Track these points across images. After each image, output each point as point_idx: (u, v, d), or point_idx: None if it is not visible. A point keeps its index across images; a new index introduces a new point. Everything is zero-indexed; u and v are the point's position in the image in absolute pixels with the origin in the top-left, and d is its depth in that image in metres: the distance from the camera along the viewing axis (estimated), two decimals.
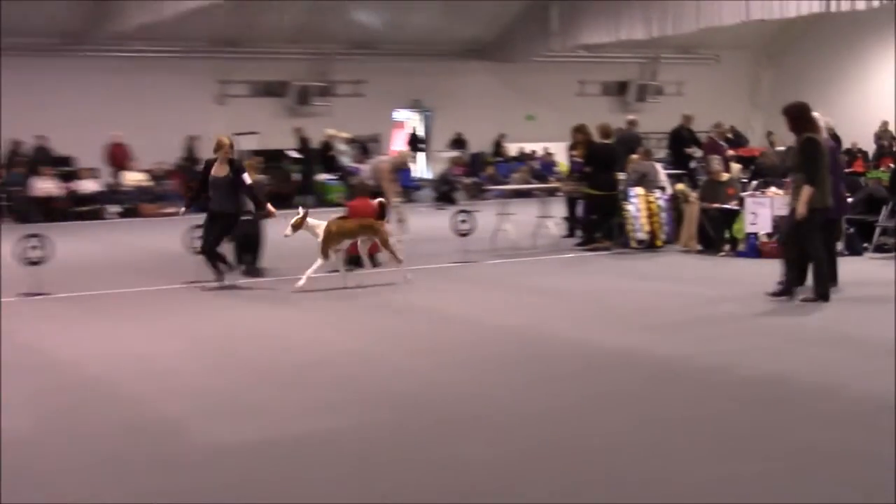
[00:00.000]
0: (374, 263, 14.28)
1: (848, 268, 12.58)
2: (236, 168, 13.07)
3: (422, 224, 20.16)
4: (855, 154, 27.43)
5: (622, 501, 5.42)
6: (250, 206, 13.43)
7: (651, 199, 16.44)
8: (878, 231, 15.02)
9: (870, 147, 29.28)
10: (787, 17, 24.88)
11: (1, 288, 12.89)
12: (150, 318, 11.39)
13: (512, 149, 33.11)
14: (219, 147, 13.14)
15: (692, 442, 6.35)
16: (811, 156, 10.96)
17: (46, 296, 12.67)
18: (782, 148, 21.37)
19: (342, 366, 8.73)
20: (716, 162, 16.66)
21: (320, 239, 12.51)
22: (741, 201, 15.38)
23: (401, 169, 18.44)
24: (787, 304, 11.00)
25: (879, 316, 10.09)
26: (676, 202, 16.65)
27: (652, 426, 6.67)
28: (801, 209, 10.86)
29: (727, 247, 15.41)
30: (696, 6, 25.36)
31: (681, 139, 23.00)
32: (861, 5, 21.72)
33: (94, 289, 13.35)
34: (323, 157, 28.72)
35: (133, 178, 26.87)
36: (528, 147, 32.91)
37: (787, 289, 11.20)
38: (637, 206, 16.31)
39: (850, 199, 14.40)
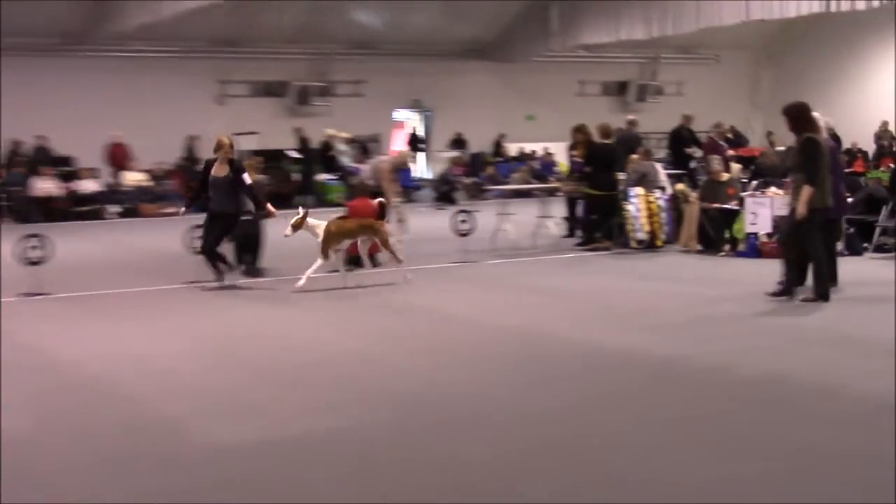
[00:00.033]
0: (375, 263, 14.28)
1: (848, 268, 12.58)
2: (236, 168, 13.08)
3: (422, 224, 20.16)
4: (855, 154, 27.43)
5: (622, 501, 5.41)
6: (250, 206, 13.43)
7: (651, 199, 16.44)
8: (878, 231, 15.03)
9: (870, 147, 29.29)
10: (787, 17, 24.88)
11: (1, 288, 12.89)
12: (150, 318, 11.39)
13: (512, 149, 33.12)
14: (219, 147, 13.14)
15: (692, 442, 6.35)
16: (811, 156, 10.96)
17: (46, 296, 12.67)
18: (782, 148, 21.36)
19: (342, 366, 8.73)
20: (716, 162, 16.66)
21: (320, 239, 12.51)
22: (741, 201, 15.38)
23: (401, 169, 18.44)
24: (787, 304, 11.00)
25: (879, 316, 10.09)
26: (676, 202, 16.65)
27: (652, 426, 6.66)
28: (802, 209, 10.86)
29: (727, 247, 15.41)
30: (696, 6, 25.36)
31: (681, 139, 23.00)
32: (861, 5, 21.72)
33: (94, 289, 13.35)
34: (323, 157, 28.72)
35: (133, 178, 26.87)
36: (528, 147, 32.91)
37: (787, 289, 11.20)
38: (637, 206, 16.31)
39: (850, 199, 14.41)
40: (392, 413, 7.16)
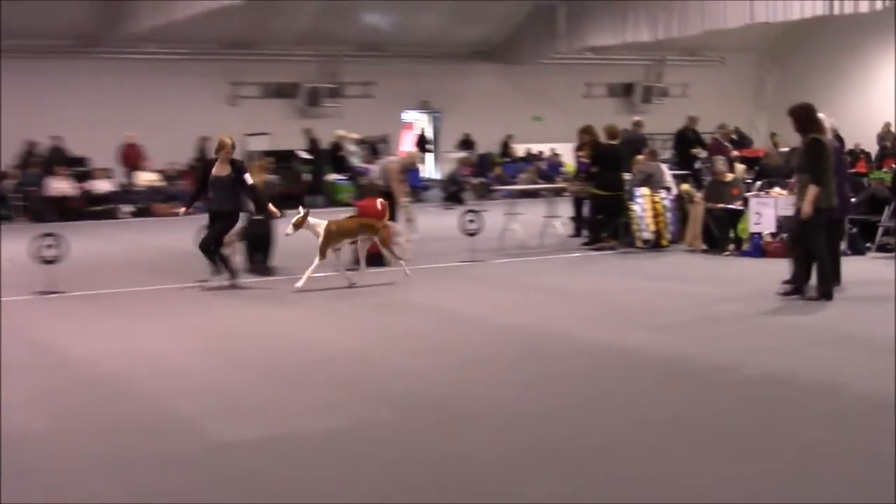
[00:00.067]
0: (385, 262, 14.30)
1: (851, 267, 12.56)
2: (238, 168, 13.07)
3: (430, 224, 20.16)
4: (858, 155, 27.39)
5: (625, 500, 5.38)
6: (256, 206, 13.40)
7: (656, 199, 16.42)
8: (880, 231, 15.00)
9: (872, 148, 29.23)
10: (791, 20, 24.83)
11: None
12: (162, 316, 11.40)
13: (519, 149, 33.11)
14: (221, 147, 13.11)
15: (696, 441, 6.31)
16: (817, 156, 10.95)
17: (61, 294, 12.70)
18: (786, 149, 21.34)
19: (345, 364, 8.67)
20: (720, 162, 16.63)
21: (321, 239, 12.51)
22: (745, 201, 15.36)
23: (410, 169, 18.46)
24: (790, 304, 10.97)
25: (882, 315, 10.05)
26: (681, 202, 16.63)
27: (656, 425, 6.63)
28: (807, 208, 10.85)
29: (731, 246, 15.39)
30: (701, 9, 25.33)
31: (686, 140, 22.98)
32: (864, 8, 21.67)
33: (108, 287, 13.37)
34: (333, 157, 28.74)
35: (146, 178, 26.91)
36: (536, 148, 32.91)
37: (797, 287, 11.18)
38: (643, 206, 16.30)
39: (853, 200, 14.37)
40: (395, 412, 7.12)
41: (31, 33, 26.32)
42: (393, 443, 6.42)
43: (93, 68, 27.58)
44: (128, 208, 26.30)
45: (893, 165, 20.27)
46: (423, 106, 32.83)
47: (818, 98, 12.86)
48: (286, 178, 23.92)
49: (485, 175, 30.64)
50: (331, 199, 27.22)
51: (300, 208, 12.68)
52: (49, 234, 13.10)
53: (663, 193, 16.62)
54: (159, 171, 27.19)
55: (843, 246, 13.46)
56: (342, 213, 14.75)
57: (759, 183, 16.91)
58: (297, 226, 12.53)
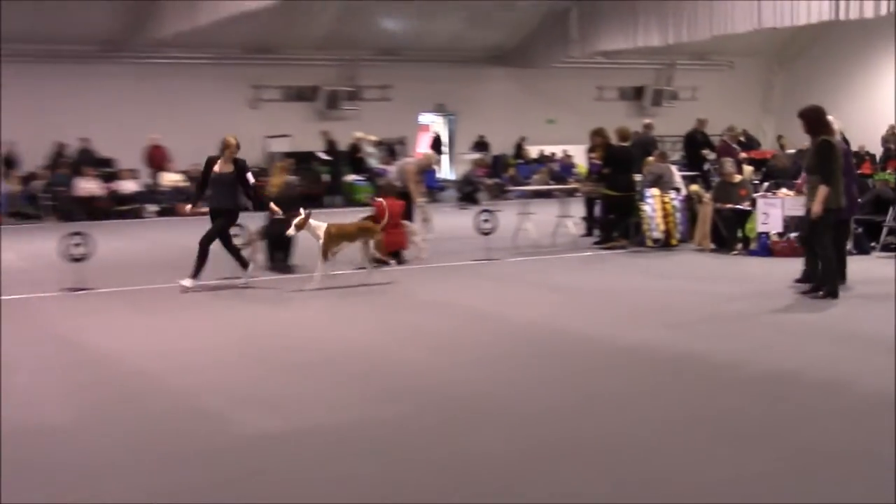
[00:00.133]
0: (399, 261, 14.34)
1: (856, 266, 12.52)
2: (241, 167, 13.07)
3: (446, 223, 20.15)
4: (863, 157, 27.24)
5: (634, 498, 5.32)
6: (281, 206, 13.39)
7: (666, 199, 16.39)
8: (885, 231, 14.96)
9: (877, 150, 29.07)
10: (798, 25, 24.72)
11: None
12: (185, 312, 11.43)
13: (533, 151, 33.06)
14: (225, 146, 13.06)
15: (703, 440, 6.28)
16: (827, 157, 10.93)
17: (89, 291, 12.75)
18: (792, 151, 21.28)
19: (360, 361, 8.64)
20: (728, 164, 16.58)
21: (321, 241, 12.52)
22: (753, 202, 15.32)
23: (426, 170, 18.45)
24: (796, 302, 10.95)
25: (887, 313, 10.00)
26: (691, 203, 16.60)
27: (663, 424, 6.57)
28: (817, 208, 10.83)
29: (739, 246, 15.36)
30: (710, 14, 25.24)
31: (695, 142, 22.93)
32: (869, 13, 21.57)
33: (134, 284, 13.41)
34: (351, 158, 28.78)
35: (170, 178, 26.97)
36: (548, 149, 32.85)
37: (816, 285, 11.19)
38: (653, 206, 16.26)
39: (858, 200, 14.33)
40: (407, 408, 7.07)
41: (60, 39, 26.48)
42: (403, 438, 6.37)
43: (119, 72, 27.68)
44: (153, 208, 26.37)
45: None
46: (439, 109, 32.82)
47: (824, 101, 12.77)
48: (306, 179, 23.90)
49: (499, 176, 30.62)
50: (349, 199, 27.24)
51: (301, 210, 12.67)
52: (77, 233, 13.15)
53: (673, 194, 16.59)
54: (183, 172, 27.22)
55: (849, 245, 13.41)
56: (360, 213, 14.74)
57: (766, 184, 16.85)
58: (299, 227, 12.54)
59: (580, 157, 28.46)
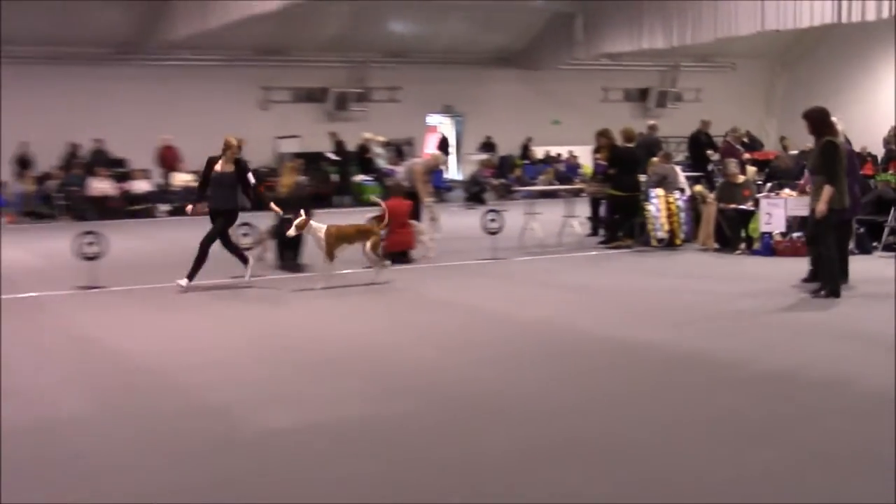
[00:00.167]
0: (408, 259, 14.36)
1: (858, 266, 12.49)
2: (242, 167, 13.06)
3: (453, 223, 20.16)
4: (865, 158, 27.17)
5: (637, 497, 5.29)
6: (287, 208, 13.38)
7: (671, 199, 16.36)
8: (886, 231, 14.93)
9: (879, 151, 29.01)
10: (801, 28, 24.68)
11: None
12: (196, 310, 11.45)
13: (539, 152, 33.06)
14: (227, 147, 13.03)
15: (705, 438, 6.25)
16: (831, 158, 10.92)
17: (102, 289, 12.77)
18: (795, 152, 21.24)
19: (368, 358, 8.63)
20: (732, 165, 16.56)
21: (323, 243, 12.51)
22: (756, 202, 15.30)
23: (434, 170, 18.45)
24: (799, 301, 10.93)
25: (888, 312, 9.97)
26: (695, 203, 16.58)
27: (667, 423, 6.53)
28: (822, 207, 10.82)
29: (743, 245, 15.34)
30: (714, 17, 25.21)
31: (699, 143, 22.91)
32: (870, 16, 21.53)
33: (146, 282, 13.42)
34: (360, 159, 28.79)
35: (182, 178, 26.99)
36: (554, 150, 32.86)
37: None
38: (657, 206, 16.24)
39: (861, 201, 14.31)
40: (413, 405, 7.05)
41: (74, 42, 26.54)
42: (411, 437, 6.34)
43: (132, 75, 27.73)
44: (164, 207, 26.41)
45: None
46: (447, 110, 32.83)
47: (826, 102, 12.73)
48: (315, 179, 23.93)
49: (505, 176, 30.61)
50: (358, 199, 27.25)
51: (301, 211, 12.66)
52: (90, 232, 13.18)
53: (677, 194, 16.56)
54: (194, 172, 27.16)
55: (851, 245, 13.39)
56: (369, 213, 14.75)
57: (769, 184, 16.83)
58: (300, 228, 12.54)
59: (586, 157, 28.43)
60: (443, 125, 33.14)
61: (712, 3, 25.08)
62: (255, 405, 7.14)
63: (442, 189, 27.65)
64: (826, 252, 11.04)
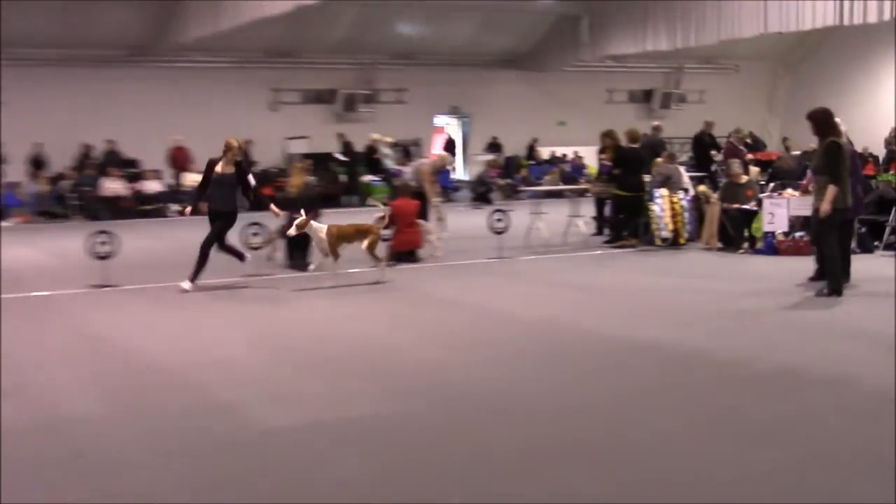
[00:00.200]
0: (415, 258, 14.35)
1: (860, 265, 12.45)
2: (243, 169, 13.03)
3: (460, 222, 20.14)
4: (866, 158, 27.11)
5: (640, 495, 5.25)
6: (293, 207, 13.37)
7: (675, 199, 16.34)
8: (888, 230, 14.90)
9: (880, 152, 28.95)
10: (803, 30, 24.62)
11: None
12: (206, 308, 11.45)
13: (544, 152, 33.04)
14: (228, 149, 12.95)
15: (707, 438, 6.22)
16: (835, 158, 10.90)
17: (114, 287, 12.79)
18: (798, 152, 21.20)
19: (374, 357, 8.60)
20: (735, 165, 16.52)
21: (324, 243, 12.50)
22: (759, 202, 15.27)
23: (441, 171, 18.44)
24: (802, 300, 10.90)
25: (888, 311, 9.93)
26: (698, 203, 16.56)
27: (671, 422, 6.50)
28: (826, 207, 10.80)
29: (746, 245, 15.31)
30: (717, 19, 25.16)
31: (703, 144, 22.85)
32: (872, 18, 21.48)
33: (157, 281, 13.42)
34: (368, 159, 28.80)
35: (193, 179, 26.90)
36: (560, 151, 32.84)
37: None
38: (661, 206, 16.22)
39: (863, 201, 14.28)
40: (418, 404, 7.02)
41: (87, 44, 26.58)
42: (415, 436, 6.30)
43: (144, 76, 27.76)
44: (175, 207, 26.40)
45: None
46: (454, 111, 32.81)
47: (828, 103, 12.71)
48: (324, 179, 23.96)
49: (511, 176, 30.60)
50: (365, 199, 27.21)
51: (302, 212, 12.65)
52: (103, 232, 13.20)
53: (681, 194, 16.54)
54: None
55: (853, 244, 13.36)
56: (376, 213, 14.73)
57: (772, 185, 16.79)
58: (300, 227, 12.54)
59: (591, 158, 28.45)
60: (450, 126, 33.14)
61: (716, 5, 25.03)
62: (258, 403, 7.12)
63: (449, 189, 27.63)
64: (829, 251, 11.03)
